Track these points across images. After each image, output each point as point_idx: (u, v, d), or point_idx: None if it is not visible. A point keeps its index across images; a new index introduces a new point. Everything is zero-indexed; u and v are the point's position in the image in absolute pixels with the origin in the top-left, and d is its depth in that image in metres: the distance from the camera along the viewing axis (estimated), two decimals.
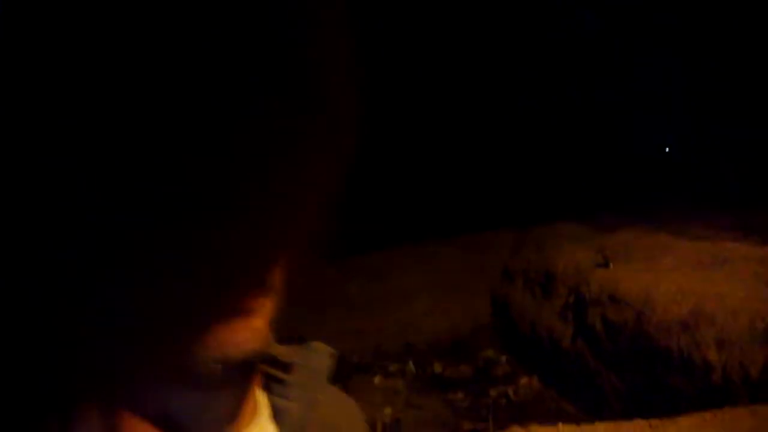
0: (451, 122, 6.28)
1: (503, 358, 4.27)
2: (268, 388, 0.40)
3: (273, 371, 0.40)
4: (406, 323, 4.69)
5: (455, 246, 5.16)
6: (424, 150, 6.08)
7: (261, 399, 0.39)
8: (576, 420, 3.01)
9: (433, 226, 5.36)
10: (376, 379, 4.25)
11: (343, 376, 4.15)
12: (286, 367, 0.41)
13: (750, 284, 2.96)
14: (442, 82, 6.39)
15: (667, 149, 6.37)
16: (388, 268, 5.17)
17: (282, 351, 0.40)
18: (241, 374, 0.33)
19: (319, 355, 0.44)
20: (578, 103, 6.36)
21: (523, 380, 4.03)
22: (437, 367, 4.37)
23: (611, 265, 3.53)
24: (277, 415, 0.39)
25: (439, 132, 6.23)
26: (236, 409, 0.35)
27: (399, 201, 5.51)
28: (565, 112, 6.37)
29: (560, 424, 2.58)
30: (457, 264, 4.96)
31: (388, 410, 3.84)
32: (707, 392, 2.73)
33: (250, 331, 0.31)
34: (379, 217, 4.79)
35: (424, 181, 5.95)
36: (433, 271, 4.96)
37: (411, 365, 4.38)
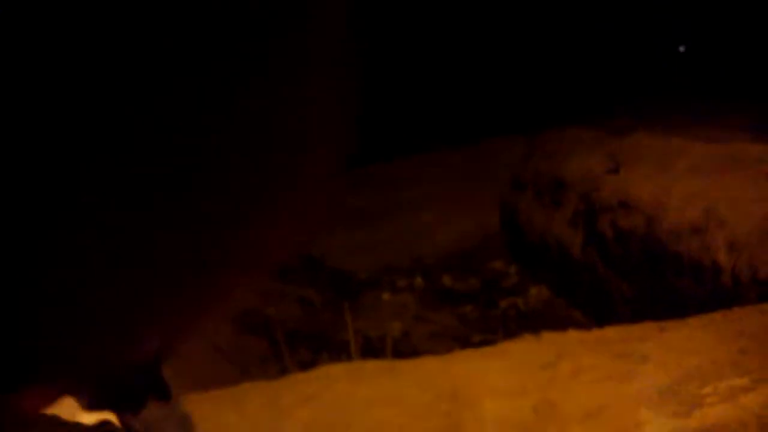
0: (453, 27, 6.06)
1: (512, 269, 4.25)
2: None
3: None
4: (414, 236, 4.67)
5: (462, 154, 5.07)
6: (427, 57, 5.90)
7: None
8: (586, 327, 3.01)
9: (439, 134, 5.26)
10: (385, 295, 4.27)
11: (352, 292, 4.17)
12: None
13: (762, 186, 2.88)
14: None
15: (681, 49, 6.13)
16: (394, 179, 5.11)
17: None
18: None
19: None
20: (587, 6, 6.09)
21: (533, 290, 4.02)
22: (446, 281, 4.37)
23: (622, 170, 3.44)
24: None
25: (443, 37, 6.02)
26: None
27: (403, 109, 5.38)
28: (571, 17, 6.11)
29: (571, 330, 2.57)
30: (465, 173, 4.88)
31: (397, 324, 3.87)
32: (717, 294, 2.70)
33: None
34: (384, 126, 4.69)
35: (429, 88, 5.79)
36: (440, 182, 4.89)
37: (420, 279, 4.38)
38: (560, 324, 3.31)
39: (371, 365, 2.66)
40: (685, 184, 3.03)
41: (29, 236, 0.25)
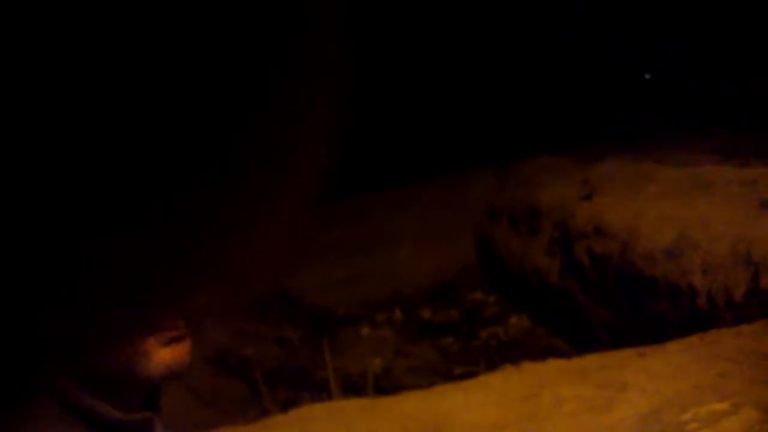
0: (427, 62, 6.13)
1: (491, 299, 4.24)
2: None
3: None
4: (392, 269, 4.65)
5: (437, 186, 5.09)
6: (402, 91, 5.95)
7: None
8: (567, 355, 2.99)
9: (413, 167, 5.27)
10: (364, 331, 4.22)
11: (330, 329, 4.12)
12: None
13: (732, 207, 2.91)
14: (419, 21, 6.21)
15: (646, 76, 6.26)
16: (370, 212, 5.10)
17: None
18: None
19: None
20: (553, 35, 6.21)
21: (513, 319, 4.01)
22: (425, 313, 4.34)
23: (595, 196, 3.46)
24: None
25: (416, 71, 6.09)
26: None
27: (378, 144, 5.40)
28: (539, 46, 6.22)
29: (551, 359, 2.55)
30: (440, 204, 4.89)
31: (377, 360, 3.82)
32: (693, 317, 2.71)
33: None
34: (359, 161, 4.68)
35: (403, 122, 5.83)
36: (416, 214, 4.89)
37: (398, 313, 4.34)
38: (541, 352, 3.29)
39: (351, 404, 2.62)
40: (657, 209, 3.06)
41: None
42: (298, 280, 4.05)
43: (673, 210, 2.99)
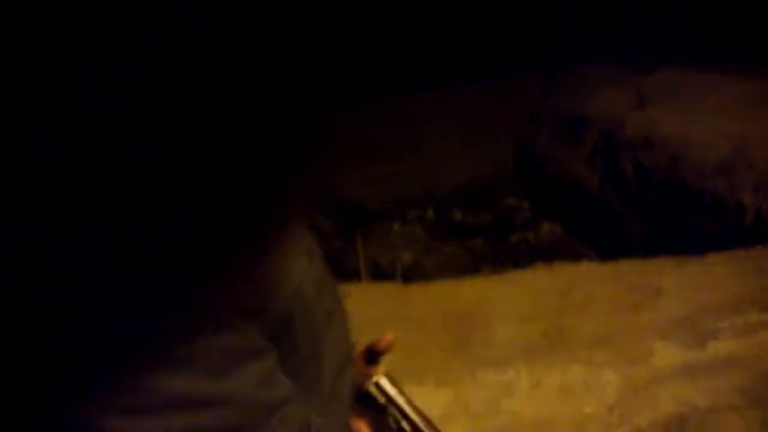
0: None
1: (525, 205, 4.19)
2: None
3: None
4: (427, 170, 4.60)
5: (480, 90, 4.95)
6: None
7: None
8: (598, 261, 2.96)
9: (457, 69, 5.13)
10: (395, 226, 4.23)
11: (363, 222, 4.13)
12: None
13: None
14: None
15: None
16: (410, 112, 5.01)
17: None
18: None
19: None
20: None
21: (545, 226, 3.97)
22: (457, 215, 4.32)
23: (647, 107, 3.34)
24: None
25: None
26: None
27: (422, 42, 5.23)
28: None
29: (585, 261, 2.53)
30: (482, 108, 4.77)
31: (407, 254, 3.84)
32: (738, 235, 2.64)
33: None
34: (402, 59, 4.55)
35: (450, 21, 5.62)
36: (456, 117, 4.79)
37: (430, 212, 4.33)
38: (571, 259, 3.27)
39: (384, 287, 2.64)
40: (714, 123, 2.94)
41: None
42: (333, 177, 4.03)
43: (731, 124, 2.87)
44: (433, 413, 0.68)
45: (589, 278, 2.45)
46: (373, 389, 0.68)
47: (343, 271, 3.58)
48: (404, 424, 0.66)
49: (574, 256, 3.31)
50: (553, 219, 3.93)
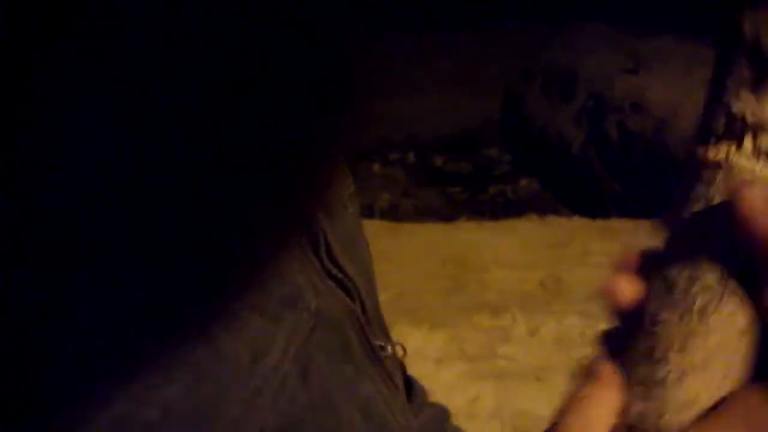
0: None
1: (506, 158, 4.21)
2: None
3: None
4: (411, 114, 4.57)
5: (474, 37, 4.89)
6: None
7: None
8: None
9: (451, 12, 5.04)
10: (376, 167, 4.22)
11: (348, 162, 4.11)
12: None
13: None
14: None
15: None
16: (400, 55, 4.93)
17: None
18: None
19: None
20: None
21: (523, 181, 4.00)
22: (438, 161, 4.33)
23: (640, 72, 3.34)
24: None
25: None
26: None
27: None
28: None
29: (576, 216, 2.57)
30: (475, 56, 4.73)
31: (386, 195, 3.84)
32: None
33: None
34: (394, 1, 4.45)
35: None
36: (447, 62, 4.74)
37: (411, 156, 4.32)
38: (545, 215, 3.31)
39: (374, 224, 2.63)
40: (704, 94, 2.96)
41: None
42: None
43: None
44: (429, 356, 0.70)
45: (582, 233, 2.49)
46: None
47: None
48: None
49: (547, 214, 3.35)
50: (533, 174, 3.96)
